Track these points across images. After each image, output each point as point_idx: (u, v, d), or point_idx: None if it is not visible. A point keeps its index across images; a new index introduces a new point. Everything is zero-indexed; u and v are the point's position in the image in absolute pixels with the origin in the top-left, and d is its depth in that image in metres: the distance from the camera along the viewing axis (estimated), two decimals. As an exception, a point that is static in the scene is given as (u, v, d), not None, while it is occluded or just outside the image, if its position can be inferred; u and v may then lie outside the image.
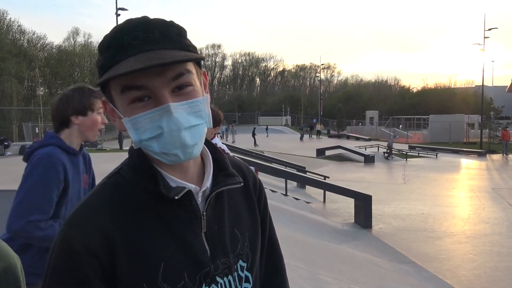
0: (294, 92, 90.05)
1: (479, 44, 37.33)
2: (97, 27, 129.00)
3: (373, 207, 8.41)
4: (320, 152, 24.18)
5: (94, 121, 2.04)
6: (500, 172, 18.52)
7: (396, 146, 29.38)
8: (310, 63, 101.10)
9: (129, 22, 0.81)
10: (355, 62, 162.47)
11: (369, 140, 38.64)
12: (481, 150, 27.85)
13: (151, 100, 0.79)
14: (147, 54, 0.77)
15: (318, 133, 45.96)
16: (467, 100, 65.17)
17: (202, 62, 0.89)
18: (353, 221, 8.48)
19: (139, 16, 0.83)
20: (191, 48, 0.83)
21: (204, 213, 0.87)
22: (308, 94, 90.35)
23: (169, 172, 0.86)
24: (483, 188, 13.43)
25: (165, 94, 0.78)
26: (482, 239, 7.59)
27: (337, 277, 4.59)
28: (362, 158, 21.40)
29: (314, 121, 56.94)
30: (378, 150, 26.60)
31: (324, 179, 11.33)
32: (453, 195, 12.51)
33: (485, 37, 36.72)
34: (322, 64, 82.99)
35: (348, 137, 43.44)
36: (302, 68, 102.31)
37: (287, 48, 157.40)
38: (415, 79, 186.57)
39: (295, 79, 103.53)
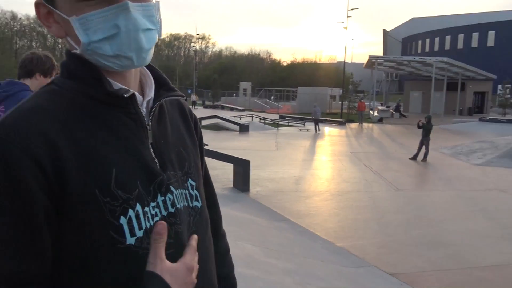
0: (169, 62, 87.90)
1: (343, 22, 40.63)
2: None
3: (250, 172, 8.86)
4: (197, 122, 24.27)
5: None
6: (357, 139, 20.79)
7: (268, 116, 30.86)
8: (185, 33, 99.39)
9: None
10: (230, 34, 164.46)
11: (243, 110, 39.79)
12: (341, 119, 30.70)
13: None
14: None
15: (194, 103, 45.88)
16: (330, 75, 70.73)
17: None
18: (232, 185, 8.81)
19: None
20: None
21: (150, 123, 0.85)
22: (183, 64, 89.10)
23: (111, 79, 0.81)
24: (344, 152, 14.99)
25: None
26: (344, 196, 8.58)
27: (222, 235, 4.82)
28: (237, 128, 22.05)
29: (189, 91, 56.55)
30: (252, 119, 27.63)
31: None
32: (319, 159, 13.80)
33: (348, 16, 40.07)
34: (198, 34, 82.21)
35: (223, 108, 44.16)
36: (176, 37, 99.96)
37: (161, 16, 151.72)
38: (286, 53, 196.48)
39: (169, 49, 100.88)
